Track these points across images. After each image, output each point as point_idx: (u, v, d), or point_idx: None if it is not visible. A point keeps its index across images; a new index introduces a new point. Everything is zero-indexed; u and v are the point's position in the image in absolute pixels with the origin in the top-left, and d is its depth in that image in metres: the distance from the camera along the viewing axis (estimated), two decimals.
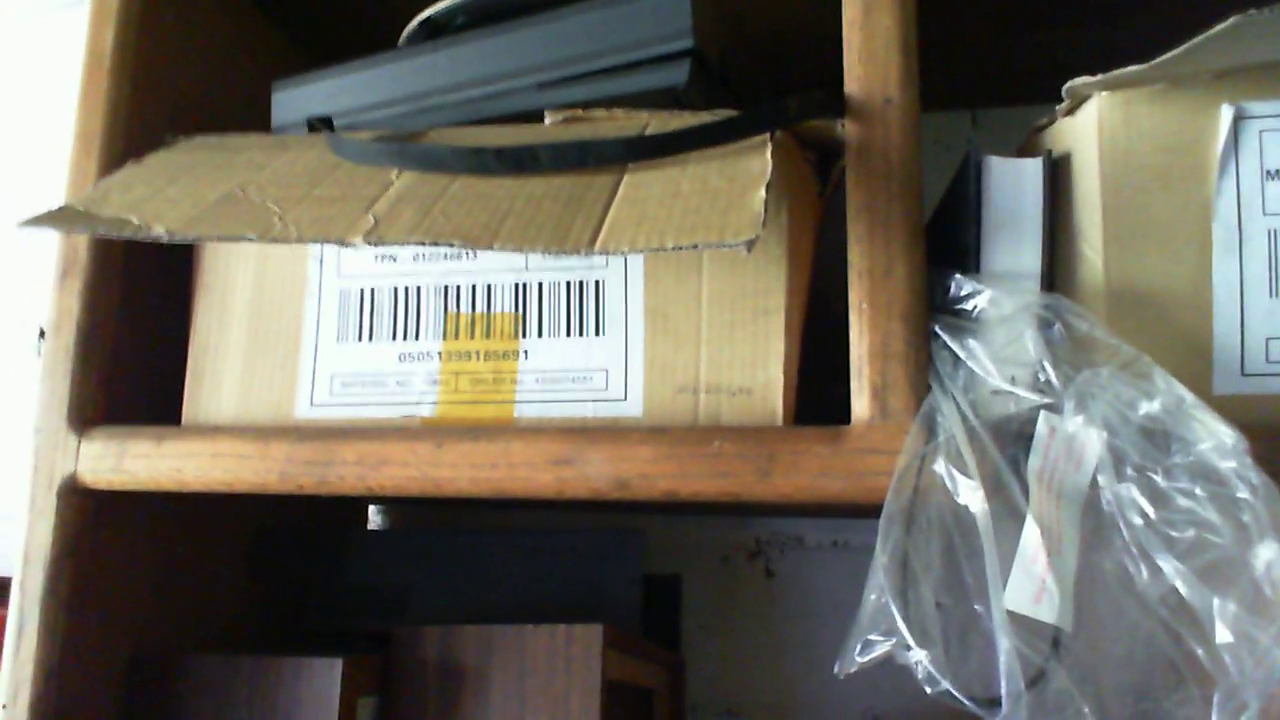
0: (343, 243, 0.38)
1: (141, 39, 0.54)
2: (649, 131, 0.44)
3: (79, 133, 0.53)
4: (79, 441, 0.50)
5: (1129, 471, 0.34)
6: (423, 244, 0.37)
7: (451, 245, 0.37)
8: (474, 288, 0.48)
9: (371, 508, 0.84)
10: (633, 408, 0.45)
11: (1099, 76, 0.40)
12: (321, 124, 0.49)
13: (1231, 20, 0.36)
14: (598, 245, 0.36)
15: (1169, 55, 0.38)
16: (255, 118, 0.58)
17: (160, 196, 0.43)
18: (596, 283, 0.46)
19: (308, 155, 0.46)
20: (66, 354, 0.51)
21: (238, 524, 0.64)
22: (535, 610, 0.58)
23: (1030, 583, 0.34)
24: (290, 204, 0.41)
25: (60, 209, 0.44)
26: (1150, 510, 0.34)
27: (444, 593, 0.60)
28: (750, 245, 0.34)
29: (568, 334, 0.47)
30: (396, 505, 0.84)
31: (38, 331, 0.98)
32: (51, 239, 0.51)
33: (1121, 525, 0.34)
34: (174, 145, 0.50)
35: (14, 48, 1.01)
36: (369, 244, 0.38)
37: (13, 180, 0.99)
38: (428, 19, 0.50)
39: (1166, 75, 0.40)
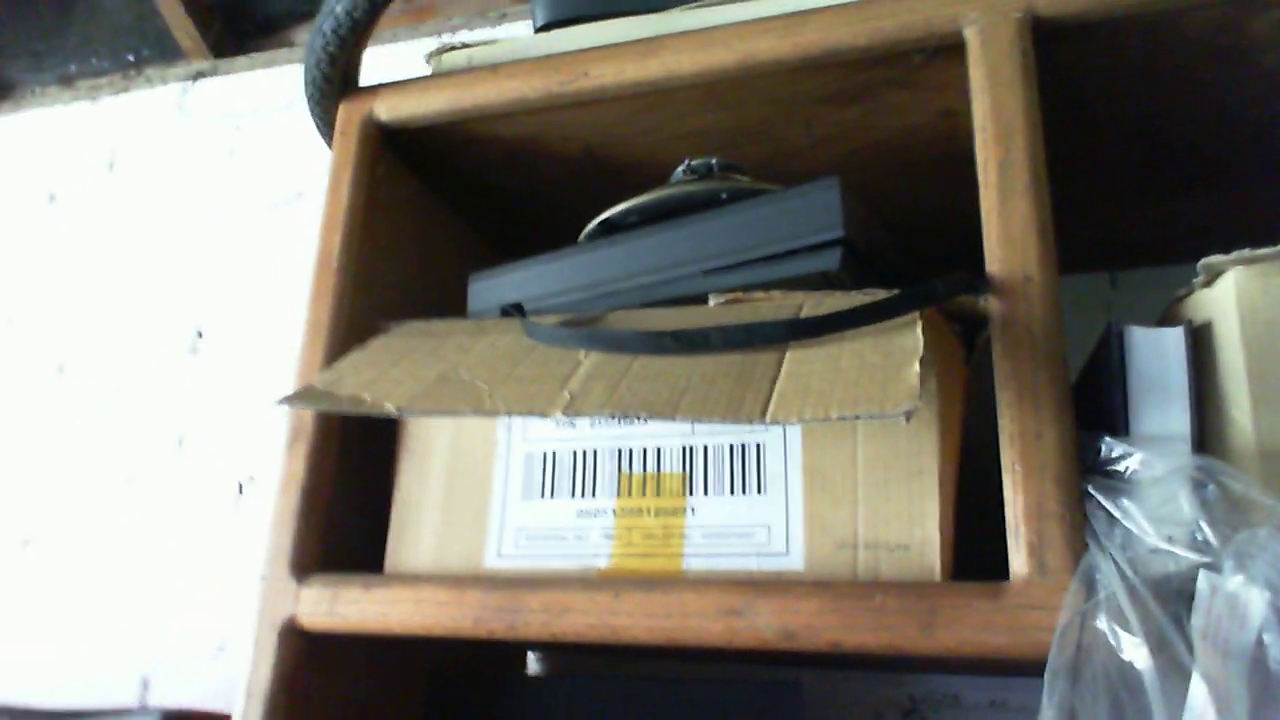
0: (545, 416, 0.44)
1: (363, 242, 0.63)
2: (804, 311, 0.49)
3: (310, 321, 0.61)
4: (298, 588, 0.56)
5: None
6: (613, 416, 0.43)
7: (639, 417, 0.43)
8: (645, 450, 0.53)
9: (530, 654, 0.88)
10: (794, 562, 0.48)
11: (1233, 255, 0.43)
12: (514, 309, 0.57)
13: None
14: (768, 416, 0.41)
15: None
16: (449, 302, 0.67)
17: (386, 378, 0.51)
18: (758, 445, 0.51)
19: (505, 339, 0.53)
20: (291, 512, 0.58)
21: (415, 667, 0.69)
22: None
23: None
24: (496, 383, 0.48)
25: (305, 389, 0.52)
26: None
27: None
28: (909, 415, 0.38)
29: (731, 492, 0.51)
30: (551, 651, 0.87)
31: (237, 485, 1.09)
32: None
33: None
34: (389, 331, 0.58)
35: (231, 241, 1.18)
36: (568, 417, 0.43)
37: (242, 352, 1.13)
38: (606, 219, 0.58)
39: None
